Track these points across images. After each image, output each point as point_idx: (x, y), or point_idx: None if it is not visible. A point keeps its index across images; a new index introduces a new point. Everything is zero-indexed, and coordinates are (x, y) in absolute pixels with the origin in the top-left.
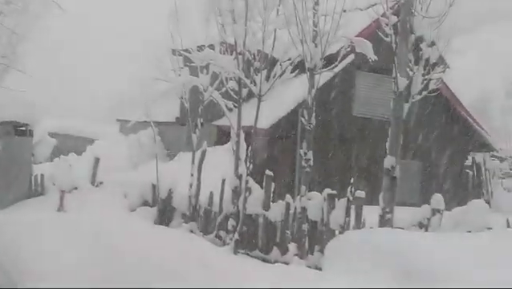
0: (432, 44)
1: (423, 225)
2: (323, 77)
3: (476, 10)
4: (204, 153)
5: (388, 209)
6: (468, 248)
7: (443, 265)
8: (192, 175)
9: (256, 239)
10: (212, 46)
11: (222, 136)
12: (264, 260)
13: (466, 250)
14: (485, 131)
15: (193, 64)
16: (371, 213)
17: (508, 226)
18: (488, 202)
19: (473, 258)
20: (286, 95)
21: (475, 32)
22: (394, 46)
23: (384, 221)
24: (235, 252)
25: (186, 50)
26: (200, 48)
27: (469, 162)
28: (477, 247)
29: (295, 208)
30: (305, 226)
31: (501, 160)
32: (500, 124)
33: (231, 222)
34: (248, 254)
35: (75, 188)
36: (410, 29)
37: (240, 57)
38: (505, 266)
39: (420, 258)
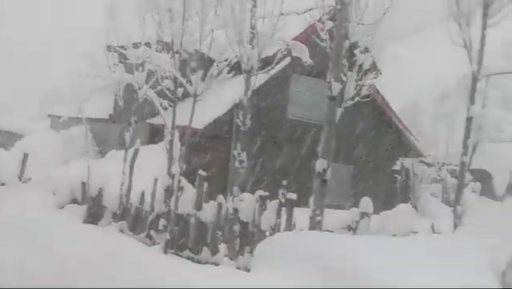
0: (366, 50)
1: (351, 228)
2: (259, 79)
3: (409, 18)
4: (136, 152)
5: (318, 212)
6: (393, 251)
7: (366, 267)
8: (123, 173)
9: (187, 239)
10: (148, 44)
11: (156, 135)
12: (194, 260)
13: (391, 253)
14: (415, 137)
15: (128, 61)
16: (302, 215)
17: (433, 231)
18: (415, 207)
19: (396, 261)
20: (222, 96)
21: (409, 39)
22: (329, 51)
23: (314, 224)
24: (165, 252)
25: (122, 47)
26: (136, 45)
27: (398, 167)
28: (401, 250)
29: (227, 209)
30: (236, 227)
31: (429, 165)
32: (429, 131)
33: (162, 222)
34: (178, 255)
35: (3, 184)
36: (345, 35)
37: (176, 56)
38: (425, 270)
39: (346, 261)
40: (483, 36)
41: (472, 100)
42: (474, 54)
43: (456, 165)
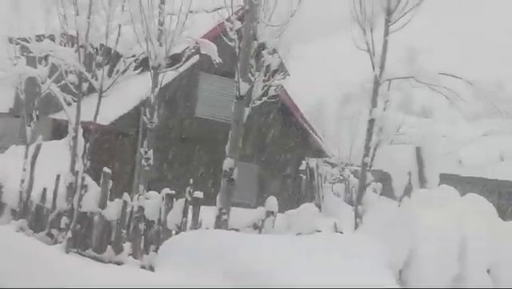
0: (274, 52)
1: (257, 227)
2: (167, 76)
3: (316, 20)
4: (38, 147)
5: (224, 211)
6: (297, 250)
7: (270, 267)
8: (24, 170)
9: (90, 238)
10: (52, 37)
11: (60, 131)
12: (97, 259)
13: (295, 253)
14: (320, 137)
15: (31, 54)
16: (208, 214)
17: (336, 230)
18: (319, 206)
19: (300, 261)
20: (129, 92)
21: (315, 41)
22: (237, 51)
23: (220, 222)
24: (67, 251)
25: (24, 39)
26: (39, 38)
27: (303, 167)
28: (304, 249)
29: (133, 207)
30: (141, 226)
31: (333, 166)
32: (333, 132)
33: (64, 220)
34: (80, 254)
35: None
36: (253, 35)
37: (81, 50)
38: (325, 269)
39: (247, 260)
40: (385, 42)
41: (374, 103)
42: (377, 58)
43: (358, 166)
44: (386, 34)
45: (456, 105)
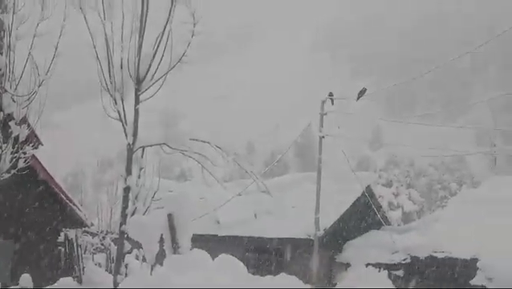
0: (24, 122)
1: None
2: None
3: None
4: None
5: None
6: None
7: None
8: None
9: None
10: None
11: None
12: None
13: None
14: (78, 207)
15: None
16: None
17: None
18: (79, 278)
19: None
20: None
21: (74, 107)
22: None
23: None
24: None
25: None
26: None
27: (61, 238)
28: None
29: None
30: None
31: (94, 235)
32: (92, 199)
33: None
34: None
35: None
36: None
37: None
38: None
39: None
40: (136, 110)
41: (128, 171)
42: (130, 126)
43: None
44: (137, 102)
45: (206, 168)
